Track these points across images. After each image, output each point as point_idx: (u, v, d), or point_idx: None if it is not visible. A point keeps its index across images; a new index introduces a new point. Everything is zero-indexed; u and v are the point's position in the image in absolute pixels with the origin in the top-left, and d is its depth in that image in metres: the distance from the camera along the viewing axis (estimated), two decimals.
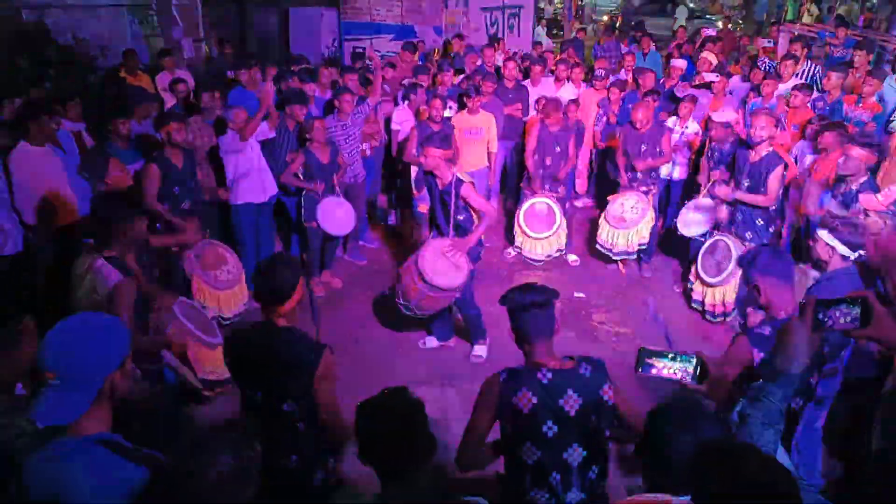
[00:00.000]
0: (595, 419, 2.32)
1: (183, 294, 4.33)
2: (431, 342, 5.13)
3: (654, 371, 2.06)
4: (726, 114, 5.79)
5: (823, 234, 3.26)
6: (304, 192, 5.64)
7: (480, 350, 4.95)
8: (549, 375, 2.31)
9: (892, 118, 5.68)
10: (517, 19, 11.18)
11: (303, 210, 5.67)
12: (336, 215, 5.62)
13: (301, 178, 5.60)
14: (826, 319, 1.68)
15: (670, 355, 2.05)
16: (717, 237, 5.35)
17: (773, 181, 4.93)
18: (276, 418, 2.50)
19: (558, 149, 6.23)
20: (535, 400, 2.28)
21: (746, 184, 5.06)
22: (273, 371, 2.49)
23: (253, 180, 5.53)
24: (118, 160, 4.25)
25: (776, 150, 5.09)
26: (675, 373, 2.02)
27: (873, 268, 3.11)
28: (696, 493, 1.47)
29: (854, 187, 4.55)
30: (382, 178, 7.43)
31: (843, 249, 3.19)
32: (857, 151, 4.48)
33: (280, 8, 12.65)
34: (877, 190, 4.57)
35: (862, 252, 3.25)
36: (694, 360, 2.01)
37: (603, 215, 6.20)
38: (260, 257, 5.66)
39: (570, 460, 2.31)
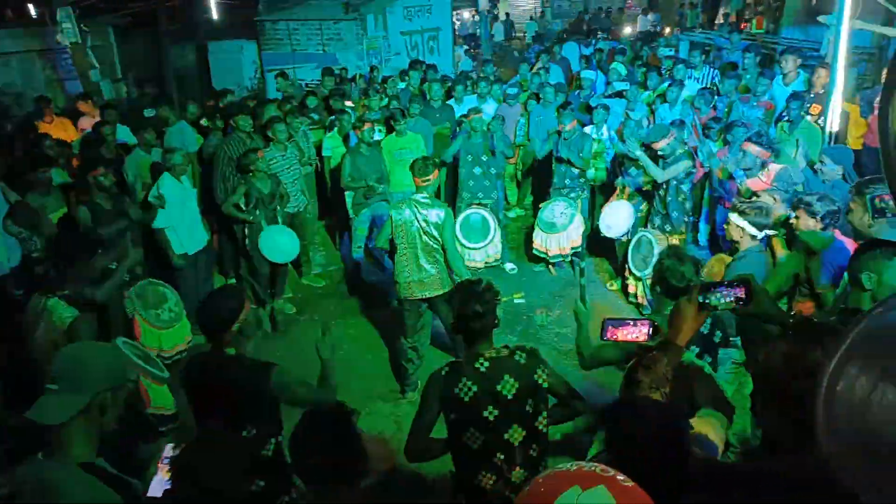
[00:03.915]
0: (532, 402, 2.53)
1: (123, 333, 4.30)
2: None
3: (615, 336, 2.27)
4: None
5: (734, 216, 3.66)
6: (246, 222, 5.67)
7: None
8: (487, 364, 2.52)
9: (783, 115, 6.20)
10: (436, 41, 11.54)
11: (246, 238, 5.70)
12: (279, 243, 5.68)
13: (243, 208, 5.62)
14: (707, 300, 1.93)
15: (630, 322, 2.27)
16: (640, 234, 5.74)
17: (671, 170, 5.46)
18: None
19: (485, 158, 6.54)
20: (474, 388, 2.49)
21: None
22: (228, 398, 2.56)
23: (190, 229, 5.53)
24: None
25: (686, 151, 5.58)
26: (635, 336, 2.23)
27: None
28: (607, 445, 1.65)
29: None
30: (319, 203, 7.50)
31: (750, 229, 3.62)
32: (753, 148, 5.07)
33: (198, 43, 12.55)
34: None
35: (768, 231, 3.67)
36: (648, 324, 2.23)
37: (535, 221, 6.51)
38: (201, 296, 5.63)
39: (511, 440, 2.52)
